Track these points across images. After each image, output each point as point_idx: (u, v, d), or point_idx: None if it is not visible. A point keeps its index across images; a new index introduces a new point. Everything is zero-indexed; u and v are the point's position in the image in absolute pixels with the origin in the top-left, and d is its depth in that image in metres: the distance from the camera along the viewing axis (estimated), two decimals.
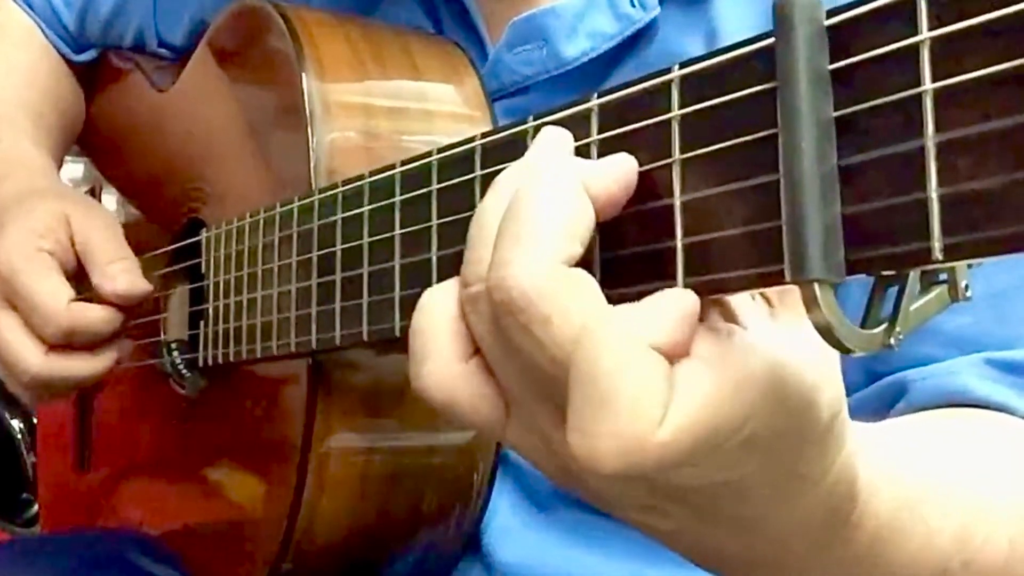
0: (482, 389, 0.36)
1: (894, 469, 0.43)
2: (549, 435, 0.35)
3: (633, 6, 0.67)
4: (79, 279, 0.77)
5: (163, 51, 0.93)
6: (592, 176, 0.34)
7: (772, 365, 0.32)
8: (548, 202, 0.33)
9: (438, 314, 0.37)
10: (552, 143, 0.37)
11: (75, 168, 1.12)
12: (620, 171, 0.34)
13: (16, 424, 1.58)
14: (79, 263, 0.77)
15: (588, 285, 0.32)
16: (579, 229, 0.33)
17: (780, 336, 0.32)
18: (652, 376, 0.30)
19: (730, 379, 0.31)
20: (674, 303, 0.32)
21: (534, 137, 0.39)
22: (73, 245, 0.77)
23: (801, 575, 0.42)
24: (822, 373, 0.34)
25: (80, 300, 0.74)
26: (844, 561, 0.42)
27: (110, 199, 0.99)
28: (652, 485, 0.34)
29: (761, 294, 0.35)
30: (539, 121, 0.39)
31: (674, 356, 0.31)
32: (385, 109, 0.68)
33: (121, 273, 0.75)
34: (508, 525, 0.70)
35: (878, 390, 0.60)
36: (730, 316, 0.34)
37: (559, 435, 0.34)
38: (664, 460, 0.30)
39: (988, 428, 0.57)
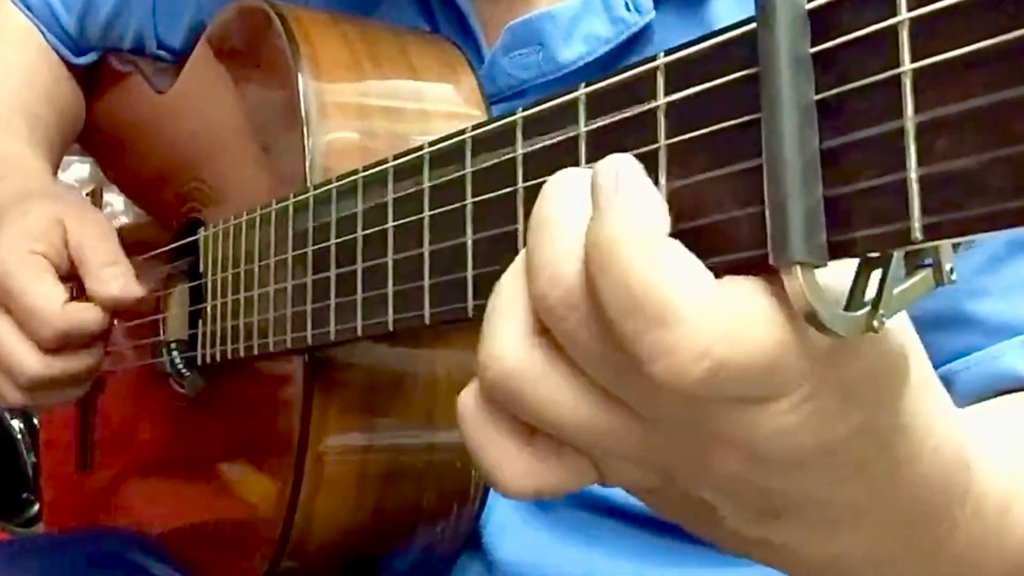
0: (561, 453, 0.34)
1: (997, 445, 0.42)
2: (641, 458, 0.34)
3: (628, 10, 0.67)
4: (73, 282, 0.77)
5: (162, 53, 0.94)
6: None
7: None
8: (575, 199, 0.32)
9: (478, 418, 0.35)
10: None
11: (82, 168, 1.13)
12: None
13: (16, 424, 1.58)
14: (73, 266, 0.77)
15: None
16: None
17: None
18: (689, 263, 0.29)
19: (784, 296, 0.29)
20: (634, 183, 0.31)
21: (523, 129, 0.40)
22: (67, 248, 0.77)
23: (932, 567, 0.40)
24: (902, 327, 0.33)
25: (74, 301, 0.75)
26: (973, 542, 0.40)
27: (115, 200, 1.00)
28: (754, 458, 0.32)
29: None
30: (527, 113, 0.39)
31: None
32: (381, 109, 0.69)
33: (114, 278, 0.75)
34: (507, 522, 0.70)
35: None
36: None
37: (653, 453, 0.33)
38: (748, 351, 0.29)
39: None
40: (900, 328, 0.33)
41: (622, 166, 0.32)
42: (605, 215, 0.31)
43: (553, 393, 0.33)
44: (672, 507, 0.37)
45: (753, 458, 0.32)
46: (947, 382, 0.59)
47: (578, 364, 0.32)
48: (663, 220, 0.31)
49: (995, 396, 0.58)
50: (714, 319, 0.29)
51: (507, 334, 0.33)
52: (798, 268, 0.28)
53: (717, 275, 0.31)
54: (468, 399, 0.35)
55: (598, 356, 0.31)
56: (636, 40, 0.68)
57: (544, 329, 0.33)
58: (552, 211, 0.32)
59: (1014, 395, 0.58)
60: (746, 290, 0.30)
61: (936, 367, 0.59)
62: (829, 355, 0.30)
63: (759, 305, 0.29)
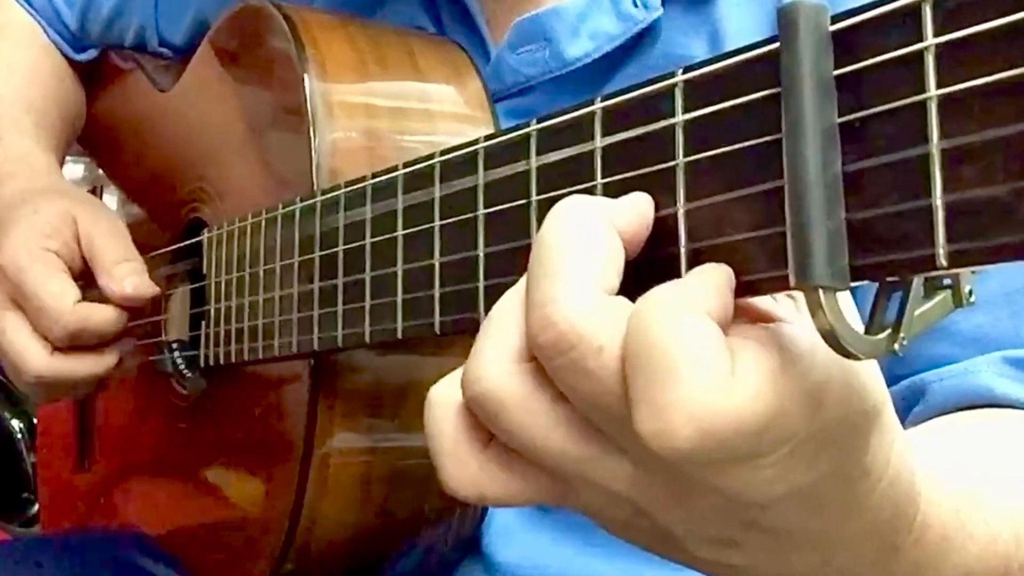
0: (510, 467, 0.35)
1: (946, 468, 0.43)
2: (610, 485, 0.34)
3: (636, 6, 0.67)
4: (85, 279, 0.77)
5: (164, 51, 0.93)
6: (616, 212, 0.34)
7: (825, 348, 0.30)
8: (579, 236, 0.32)
9: (444, 409, 0.36)
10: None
11: (76, 168, 1.12)
12: (641, 208, 0.34)
13: (16, 424, 1.58)
14: (85, 263, 0.77)
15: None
16: (613, 258, 0.32)
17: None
18: (711, 339, 0.29)
19: (790, 359, 0.30)
20: (710, 272, 0.31)
21: (537, 139, 0.39)
22: (80, 250, 0.77)
23: None
24: (869, 363, 0.33)
25: (86, 301, 0.74)
26: (914, 567, 0.41)
27: (111, 199, 0.99)
28: (730, 501, 0.32)
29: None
30: (542, 124, 0.39)
31: (723, 324, 0.30)
32: (387, 110, 0.68)
33: (128, 275, 0.75)
34: (508, 525, 0.70)
35: (896, 393, 0.60)
36: (762, 314, 0.33)
37: (623, 483, 0.33)
38: (740, 427, 0.29)
39: (1012, 428, 0.56)
40: (873, 376, 0.34)
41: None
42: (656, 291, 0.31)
43: (532, 419, 0.33)
44: (630, 532, 0.37)
45: (728, 501, 0.33)
46: (920, 391, 0.59)
47: (563, 394, 0.33)
48: (712, 301, 0.31)
49: (965, 410, 0.58)
50: (710, 389, 0.29)
51: (494, 356, 0.34)
52: (820, 291, 0.28)
53: (735, 296, 0.31)
54: (441, 390, 0.36)
55: (584, 393, 0.32)
56: (643, 37, 0.68)
57: (533, 356, 0.33)
58: (551, 248, 0.32)
59: (983, 411, 0.58)
60: (751, 361, 0.30)
61: (911, 374, 0.60)
62: (815, 410, 0.31)
63: (760, 376, 0.30)
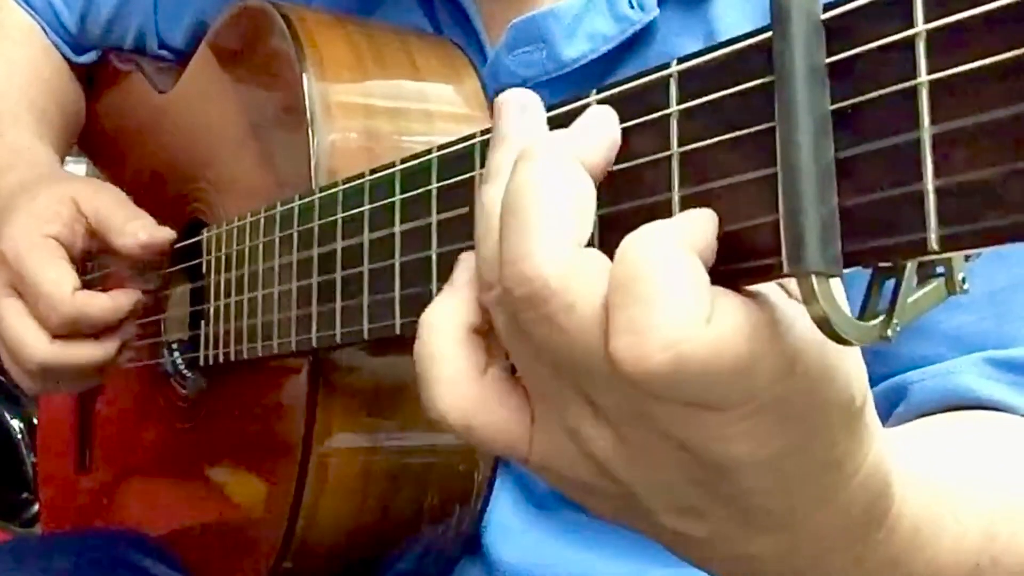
0: (505, 401, 0.35)
1: (920, 466, 0.43)
2: (579, 428, 0.34)
3: (632, 8, 0.67)
4: (88, 259, 0.77)
5: (164, 52, 0.94)
6: (585, 148, 0.34)
7: (806, 323, 0.31)
8: (553, 187, 0.32)
9: (442, 333, 0.36)
10: (520, 110, 0.36)
11: (77, 169, 1.13)
12: (608, 131, 0.35)
13: (16, 424, 1.58)
14: (88, 243, 0.77)
15: (606, 265, 0.32)
16: (586, 208, 0.33)
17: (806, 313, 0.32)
18: (693, 271, 0.30)
19: (768, 318, 0.30)
20: (697, 214, 0.32)
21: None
22: (86, 224, 0.77)
23: None
24: (850, 356, 0.34)
25: (86, 289, 0.75)
26: (886, 561, 0.41)
27: None
28: (692, 458, 0.33)
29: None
30: None
31: (706, 263, 0.31)
32: (386, 109, 0.69)
33: (141, 228, 0.76)
34: (508, 525, 0.70)
35: (879, 393, 0.60)
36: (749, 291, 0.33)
37: (591, 428, 0.34)
38: (712, 362, 0.29)
39: (993, 429, 0.56)
40: (856, 371, 0.34)
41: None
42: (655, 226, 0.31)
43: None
44: (594, 497, 0.37)
45: (690, 460, 0.33)
46: (902, 391, 0.59)
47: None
48: (698, 239, 0.31)
49: (947, 411, 0.58)
50: (691, 318, 0.29)
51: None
52: (813, 277, 0.28)
53: (729, 284, 0.32)
54: (438, 312, 0.36)
55: (554, 346, 0.32)
56: (639, 38, 0.68)
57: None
58: (522, 199, 0.32)
59: (965, 413, 0.58)
60: (731, 305, 0.30)
61: (893, 373, 0.60)
62: (784, 374, 0.31)
63: (738, 319, 0.30)
